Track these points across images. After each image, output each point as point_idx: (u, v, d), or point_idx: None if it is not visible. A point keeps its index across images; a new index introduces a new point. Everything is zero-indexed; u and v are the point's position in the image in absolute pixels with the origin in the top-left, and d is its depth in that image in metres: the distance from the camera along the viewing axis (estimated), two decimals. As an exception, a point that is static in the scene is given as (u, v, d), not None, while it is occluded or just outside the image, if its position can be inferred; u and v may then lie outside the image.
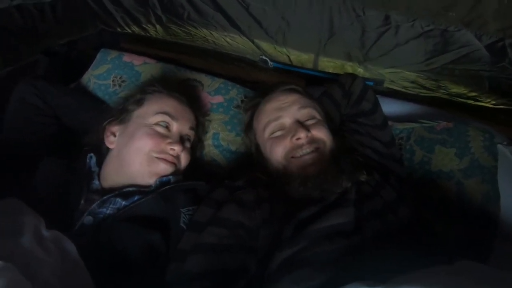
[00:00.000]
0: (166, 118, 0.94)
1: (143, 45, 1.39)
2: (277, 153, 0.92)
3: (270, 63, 1.28)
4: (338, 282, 0.60)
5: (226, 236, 0.77)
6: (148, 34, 1.34)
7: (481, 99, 1.15)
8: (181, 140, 0.95)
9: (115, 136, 0.96)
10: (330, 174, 0.85)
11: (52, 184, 0.86)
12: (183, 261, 0.74)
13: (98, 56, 1.31)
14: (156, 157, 0.89)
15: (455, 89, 1.16)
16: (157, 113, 0.94)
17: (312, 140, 0.90)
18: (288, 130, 0.92)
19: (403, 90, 1.24)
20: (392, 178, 0.93)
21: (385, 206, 0.83)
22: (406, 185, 0.96)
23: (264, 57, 1.27)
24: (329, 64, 1.23)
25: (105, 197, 0.84)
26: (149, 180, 0.89)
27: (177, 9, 1.17)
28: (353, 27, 0.98)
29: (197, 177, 0.96)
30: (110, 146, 0.95)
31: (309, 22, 1.02)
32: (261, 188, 0.87)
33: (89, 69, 1.28)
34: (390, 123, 1.11)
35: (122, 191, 0.86)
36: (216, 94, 1.22)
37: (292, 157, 0.90)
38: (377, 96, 1.07)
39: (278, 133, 0.94)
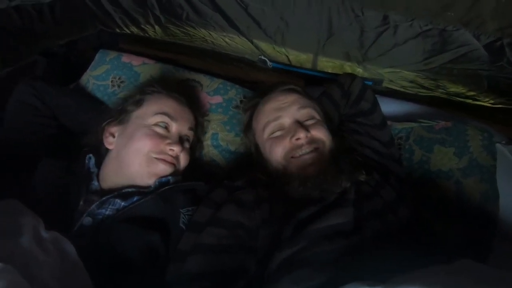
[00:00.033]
0: (165, 119, 0.94)
1: (142, 46, 1.38)
2: (277, 153, 0.92)
3: (269, 63, 1.28)
4: (338, 282, 0.60)
5: (226, 237, 0.77)
6: (147, 34, 1.34)
7: (480, 98, 1.15)
8: (180, 140, 0.95)
9: (114, 137, 0.96)
10: (329, 174, 0.86)
11: (51, 185, 0.86)
12: (183, 261, 0.74)
13: (97, 56, 1.30)
14: (155, 158, 0.89)
15: (454, 89, 1.16)
16: (156, 113, 0.94)
17: (311, 140, 0.90)
18: (288, 130, 0.92)
19: (402, 89, 1.24)
20: (392, 178, 0.94)
21: (385, 206, 0.83)
22: (406, 184, 0.96)
23: (263, 57, 1.27)
24: (328, 64, 1.23)
25: (104, 198, 0.84)
26: (148, 180, 0.89)
27: (176, 10, 1.16)
28: (352, 27, 0.98)
29: (196, 178, 0.96)
30: (109, 147, 0.95)
31: (308, 22, 1.02)
32: (261, 188, 0.87)
33: (88, 70, 1.28)
34: (389, 122, 1.11)
35: (121, 192, 0.86)
36: (215, 94, 1.22)
37: (292, 157, 0.90)
38: (376, 95, 1.07)
39: (278, 133, 0.94)
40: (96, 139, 0.98)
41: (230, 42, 1.25)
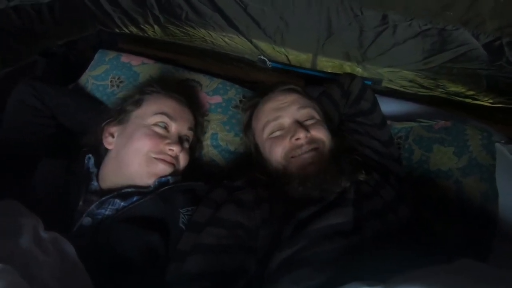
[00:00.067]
0: (165, 119, 0.94)
1: (141, 46, 1.38)
2: (277, 153, 0.92)
3: (268, 63, 1.28)
4: (338, 281, 0.60)
5: (225, 237, 0.77)
6: (146, 34, 1.34)
7: (479, 98, 1.15)
8: (180, 140, 0.95)
9: (113, 137, 0.96)
10: (329, 173, 0.85)
11: (50, 185, 0.86)
12: (183, 261, 0.74)
13: (96, 56, 1.30)
14: (155, 158, 0.89)
15: (453, 88, 1.16)
16: (156, 113, 0.94)
17: (311, 140, 0.90)
18: (287, 130, 0.92)
19: (401, 89, 1.24)
20: (391, 177, 0.94)
21: (385, 206, 0.83)
22: (405, 184, 0.96)
23: (262, 57, 1.27)
24: (327, 64, 1.23)
25: (103, 198, 0.84)
26: (148, 180, 0.89)
27: (175, 10, 1.16)
28: (351, 27, 0.98)
29: (196, 178, 0.96)
30: (109, 147, 0.95)
31: (307, 22, 1.02)
32: (261, 188, 0.87)
33: (87, 70, 1.28)
34: (388, 122, 1.11)
35: (120, 192, 0.86)
36: (215, 94, 1.22)
37: (292, 157, 0.90)
38: (376, 95, 1.07)
39: (277, 133, 0.94)
40: (95, 139, 0.98)
41: (230, 42, 1.25)
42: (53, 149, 1.00)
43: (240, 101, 1.21)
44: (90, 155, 0.95)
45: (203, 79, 1.26)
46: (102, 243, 0.77)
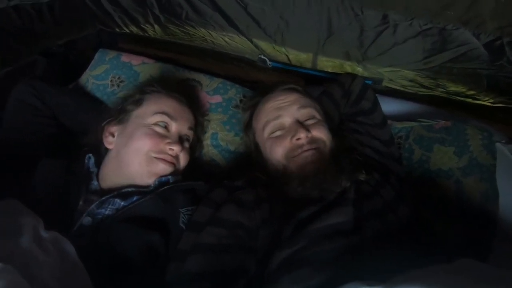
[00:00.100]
0: (165, 118, 0.94)
1: (141, 45, 1.38)
2: (277, 153, 0.91)
3: (268, 62, 1.28)
4: (338, 281, 0.60)
5: (225, 236, 0.77)
6: (146, 34, 1.34)
7: (480, 98, 1.15)
8: (180, 140, 0.95)
9: (113, 136, 0.96)
10: (329, 173, 0.85)
11: (50, 184, 0.86)
12: (183, 261, 0.74)
13: (96, 56, 1.30)
14: (155, 157, 0.89)
15: (454, 88, 1.16)
16: (156, 113, 0.94)
17: (312, 140, 0.90)
18: (288, 130, 0.92)
19: (402, 89, 1.24)
20: (392, 177, 0.93)
21: (385, 206, 0.83)
22: (406, 184, 0.96)
23: (262, 57, 1.27)
24: (327, 64, 1.23)
25: (103, 198, 0.84)
26: (148, 180, 0.89)
27: (175, 9, 1.16)
28: (352, 27, 0.98)
29: (196, 177, 0.96)
30: (109, 147, 0.95)
31: (307, 22, 1.02)
32: (261, 188, 0.87)
33: (87, 70, 1.28)
34: (388, 122, 1.11)
35: (121, 192, 0.86)
36: (215, 94, 1.22)
37: (292, 157, 0.90)
38: (376, 95, 1.07)
39: (278, 133, 0.94)
40: (95, 138, 0.98)
41: (230, 41, 1.25)
42: (53, 149, 1.00)
43: (241, 100, 1.21)
44: (91, 155, 0.95)
45: (204, 79, 1.26)
46: (102, 243, 0.77)
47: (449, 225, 0.93)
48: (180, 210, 0.86)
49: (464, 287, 0.50)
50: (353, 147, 1.03)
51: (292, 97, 0.97)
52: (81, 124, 1.06)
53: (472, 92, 1.14)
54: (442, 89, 1.18)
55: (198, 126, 1.08)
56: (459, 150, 1.01)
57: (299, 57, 1.24)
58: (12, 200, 0.66)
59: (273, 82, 1.10)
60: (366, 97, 1.04)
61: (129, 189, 0.87)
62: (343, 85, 1.07)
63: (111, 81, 1.24)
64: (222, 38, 1.25)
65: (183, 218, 0.85)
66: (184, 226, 0.83)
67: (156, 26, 1.29)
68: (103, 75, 1.25)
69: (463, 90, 1.15)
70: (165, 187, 0.88)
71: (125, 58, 1.29)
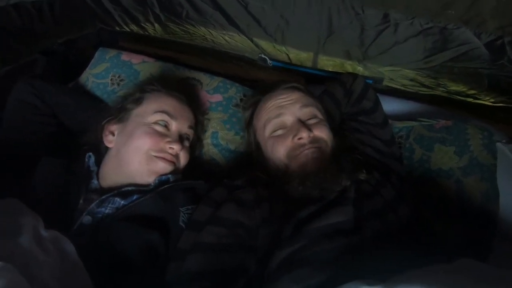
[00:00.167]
0: (165, 117, 0.94)
1: (141, 44, 1.38)
2: (279, 152, 0.91)
3: (269, 61, 1.28)
4: (338, 280, 0.60)
5: (225, 235, 0.77)
6: (146, 32, 1.34)
7: (480, 97, 1.15)
8: (180, 139, 0.95)
9: (113, 135, 0.96)
10: (329, 173, 0.85)
11: (50, 184, 0.85)
12: (183, 260, 0.74)
13: (96, 55, 1.30)
14: (155, 156, 0.89)
15: (454, 87, 1.16)
16: (156, 112, 0.94)
17: (314, 140, 0.89)
18: (290, 129, 0.91)
19: (402, 88, 1.24)
20: (393, 176, 0.93)
21: (385, 205, 0.82)
22: (406, 183, 0.96)
23: (263, 56, 1.27)
24: (328, 63, 1.23)
25: (104, 197, 0.83)
26: (148, 179, 0.89)
27: (176, 8, 1.16)
28: (352, 26, 0.98)
29: (196, 176, 0.96)
30: (109, 145, 0.95)
31: (308, 21, 1.02)
32: (261, 187, 0.87)
33: (87, 68, 1.28)
34: (389, 121, 1.11)
35: (121, 191, 0.86)
36: (215, 92, 1.22)
37: (294, 155, 0.90)
38: (376, 94, 1.07)
39: (279, 132, 0.93)
40: (95, 137, 0.98)
41: (230, 40, 1.25)
42: (53, 148, 0.99)
43: (241, 99, 1.21)
44: (91, 154, 0.95)
45: (204, 78, 1.26)
46: (102, 242, 0.77)
47: (449, 225, 0.93)
48: (180, 209, 0.86)
49: (464, 287, 0.50)
50: (354, 146, 1.03)
51: (294, 95, 0.96)
52: (81, 122, 1.06)
53: (473, 92, 1.14)
54: (443, 89, 1.18)
55: (198, 125, 1.08)
56: (459, 149, 1.01)
57: (300, 56, 1.24)
58: (12, 199, 0.66)
59: (274, 81, 1.10)
60: (367, 96, 1.04)
61: (129, 188, 0.87)
62: (344, 84, 1.07)
63: (111, 79, 1.24)
64: (222, 37, 1.25)
65: (183, 217, 0.85)
66: (184, 225, 0.83)
67: (156, 25, 1.29)
68: (103, 73, 1.25)
69: (464, 89, 1.15)
70: (165, 186, 0.88)
71: (125, 56, 1.28)
